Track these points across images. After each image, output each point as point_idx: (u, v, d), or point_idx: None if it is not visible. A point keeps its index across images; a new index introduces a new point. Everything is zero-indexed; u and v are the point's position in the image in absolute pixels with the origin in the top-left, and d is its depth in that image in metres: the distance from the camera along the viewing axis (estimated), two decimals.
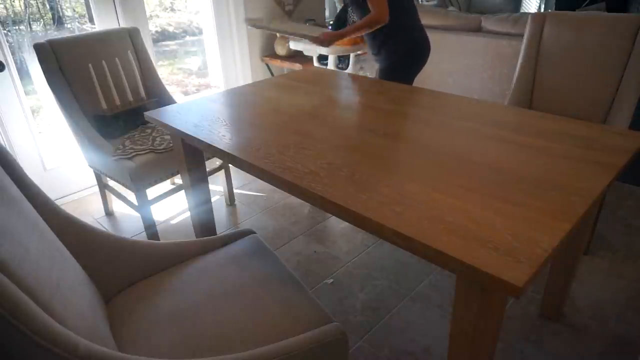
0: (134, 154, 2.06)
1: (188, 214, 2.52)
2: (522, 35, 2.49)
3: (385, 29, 2.21)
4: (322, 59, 3.11)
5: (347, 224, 2.36)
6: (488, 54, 2.90)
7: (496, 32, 2.91)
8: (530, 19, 2.40)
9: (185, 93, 3.94)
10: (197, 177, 1.79)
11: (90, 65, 2.23)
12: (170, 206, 2.61)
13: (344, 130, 1.47)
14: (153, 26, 3.94)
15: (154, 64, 2.57)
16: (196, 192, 1.82)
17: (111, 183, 2.49)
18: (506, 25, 2.85)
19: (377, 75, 2.50)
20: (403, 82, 2.43)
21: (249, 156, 1.31)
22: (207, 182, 1.85)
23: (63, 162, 2.66)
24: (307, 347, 1.04)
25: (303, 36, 2.27)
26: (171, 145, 2.15)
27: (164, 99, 2.49)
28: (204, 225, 1.91)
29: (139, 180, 2.03)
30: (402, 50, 2.30)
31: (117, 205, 2.61)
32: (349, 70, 3.00)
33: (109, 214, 2.54)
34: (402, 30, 2.28)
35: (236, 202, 2.63)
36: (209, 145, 1.42)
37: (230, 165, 2.47)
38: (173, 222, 2.47)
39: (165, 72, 4.07)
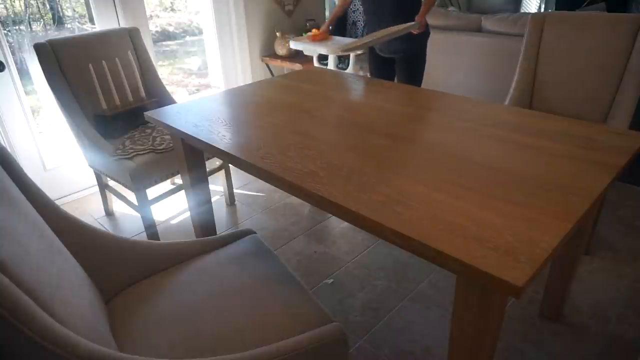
0: (134, 154, 2.06)
1: (188, 214, 2.52)
2: (522, 35, 2.49)
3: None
4: (322, 59, 3.11)
5: (347, 224, 2.36)
6: (488, 54, 2.90)
7: (496, 32, 2.91)
8: (530, 19, 2.40)
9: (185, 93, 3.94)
10: (197, 177, 1.79)
11: (90, 65, 2.23)
12: (170, 206, 2.61)
13: (344, 130, 1.47)
14: (153, 26, 3.94)
15: (154, 64, 2.57)
16: (196, 192, 1.82)
17: (111, 183, 2.49)
18: (506, 25, 2.85)
19: (400, 62, 2.49)
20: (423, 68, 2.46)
21: (249, 156, 1.31)
22: (207, 182, 1.85)
23: (63, 162, 2.66)
24: (307, 347, 1.04)
25: (397, 32, 2.21)
26: (171, 145, 2.15)
27: (164, 99, 2.49)
28: (204, 225, 1.91)
29: (139, 180, 2.02)
30: (428, 35, 2.45)
31: (117, 205, 2.61)
32: (349, 70, 3.00)
33: (109, 214, 2.54)
34: None
35: (236, 202, 2.63)
36: (209, 146, 1.42)
37: (230, 165, 2.47)
38: (173, 222, 2.47)
39: (165, 72, 4.07)
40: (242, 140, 1.43)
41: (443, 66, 3.07)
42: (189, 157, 1.73)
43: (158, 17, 4.13)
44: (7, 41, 2.36)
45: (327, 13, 4.14)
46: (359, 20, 3.36)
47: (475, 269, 0.82)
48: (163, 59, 4.14)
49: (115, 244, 1.29)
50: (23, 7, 2.57)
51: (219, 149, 1.38)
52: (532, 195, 1.05)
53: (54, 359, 0.75)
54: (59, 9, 2.75)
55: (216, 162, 2.49)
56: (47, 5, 2.70)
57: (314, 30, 2.79)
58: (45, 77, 2.13)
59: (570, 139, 1.33)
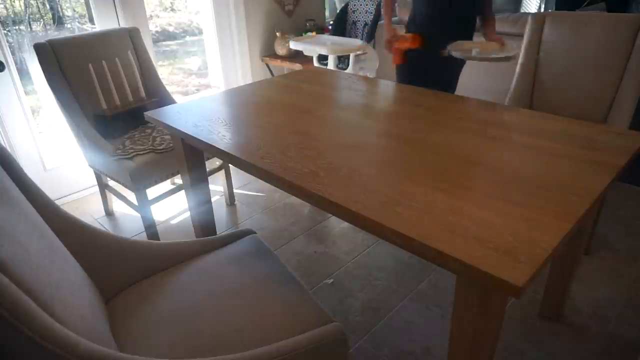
0: (134, 154, 2.06)
1: (188, 214, 2.52)
2: (522, 35, 2.49)
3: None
4: (322, 59, 3.11)
5: (347, 224, 2.36)
6: None
7: (496, 32, 2.90)
8: (530, 19, 2.40)
9: (185, 93, 3.94)
10: (197, 177, 1.79)
11: (90, 65, 2.23)
12: (170, 206, 2.61)
13: (344, 130, 1.47)
14: (153, 26, 3.94)
15: (154, 64, 2.57)
16: (196, 192, 1.82)
17: (111, 183, 2.49)
18: (506, 25, 2.84)
19: (449, 75, 2.48)
20: None
21: (249, 156, 1.31)
22: (207, 182, 1.85)
23: (63, 162, 2.66)
24: (307, 347, 1.04)
25: (498, 59, 2.01)
26: (171, 145, 2.15)
27: (164, 99, 2.49)
28: (204, 225, 1.91)
29: (139, 180, 2.02)
30: None
31: (117, 205, 2.61)
32: (349, 70, 3.00)
33: (109, 214, 2.54)
34: None
35: (236, 202, 2.63)
36: (209, 146, 1.42)
37: (230, 165, 2.47)
38: (173, 222, 2.47)
39: (165, 72, 4.07)
40: (242, 140, 1.43)
41: None
42: (189, 157, 1.73)
43: (158, 17, 4.13)
44: (7, 41, 2.36)
45: (327, 13, 4.14)
46: (359, 21, 3.36)
47: (475, 269, 0.82)
48: (163, 59, 4.15)
49: (115, 244, 1.29)
50: (23, 7, 2.57)
51: (219, 149, 1.38)
52: (532, 195, 1.05)
53: (54, 359, 0.75)
54: (59, 9, 2.75)
55: (216, 162, 2.49)
56: (47, 5, 2.71)
57: (409, 36, 2.38)
58: (45, 77, 2.13)
59: (570, 139, 1.33)
